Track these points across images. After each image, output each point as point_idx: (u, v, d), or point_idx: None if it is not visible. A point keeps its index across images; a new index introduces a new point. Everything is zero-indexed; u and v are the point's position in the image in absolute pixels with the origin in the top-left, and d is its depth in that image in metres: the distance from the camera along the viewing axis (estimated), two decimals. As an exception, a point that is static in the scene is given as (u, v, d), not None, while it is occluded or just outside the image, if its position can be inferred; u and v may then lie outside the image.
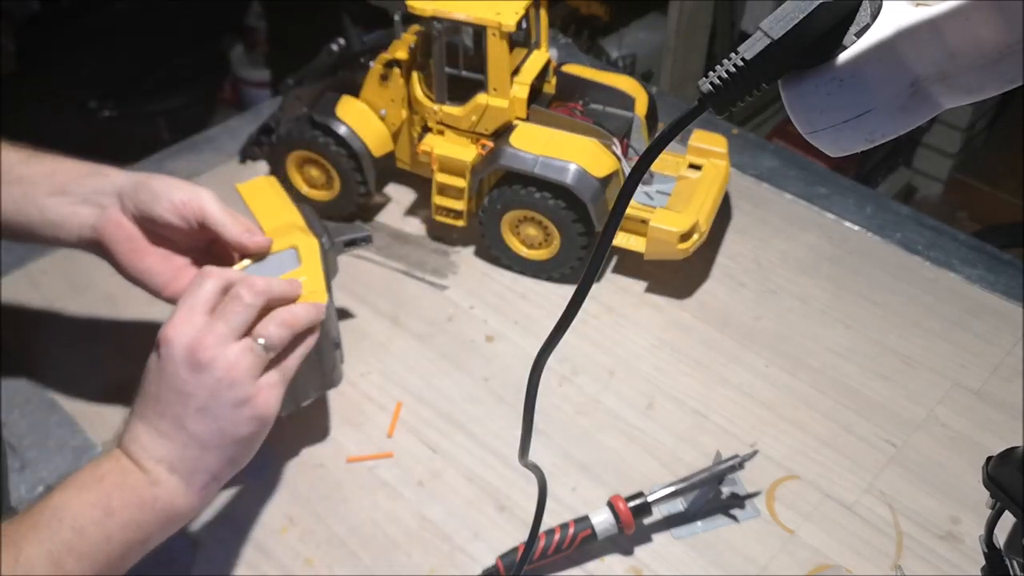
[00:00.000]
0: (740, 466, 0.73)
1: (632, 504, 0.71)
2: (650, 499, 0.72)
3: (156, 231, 0.74)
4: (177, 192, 0.73)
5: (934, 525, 0.74)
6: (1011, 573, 0.64)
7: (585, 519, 0.71)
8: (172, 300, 0.73)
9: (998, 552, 0.66)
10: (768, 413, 0.83)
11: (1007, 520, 0.64)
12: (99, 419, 0.82)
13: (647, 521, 0.73)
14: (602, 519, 0.71)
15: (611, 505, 0.71)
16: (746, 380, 0.86)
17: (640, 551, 0.73)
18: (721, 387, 0.85)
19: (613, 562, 0.72)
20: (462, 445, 0.80)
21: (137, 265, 0.74)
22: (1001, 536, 0.67)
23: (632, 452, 0.80)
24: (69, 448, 0.79)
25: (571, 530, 0.70)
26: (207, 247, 0.76)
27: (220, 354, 0.61)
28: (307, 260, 0.74)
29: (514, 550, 0.70)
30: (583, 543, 0.71)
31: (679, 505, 0.75)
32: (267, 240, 0.74)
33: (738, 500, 0.75)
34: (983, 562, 0.67)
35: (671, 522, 0.74)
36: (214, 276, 0.65)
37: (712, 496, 0.74)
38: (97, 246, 0.75)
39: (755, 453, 0.74)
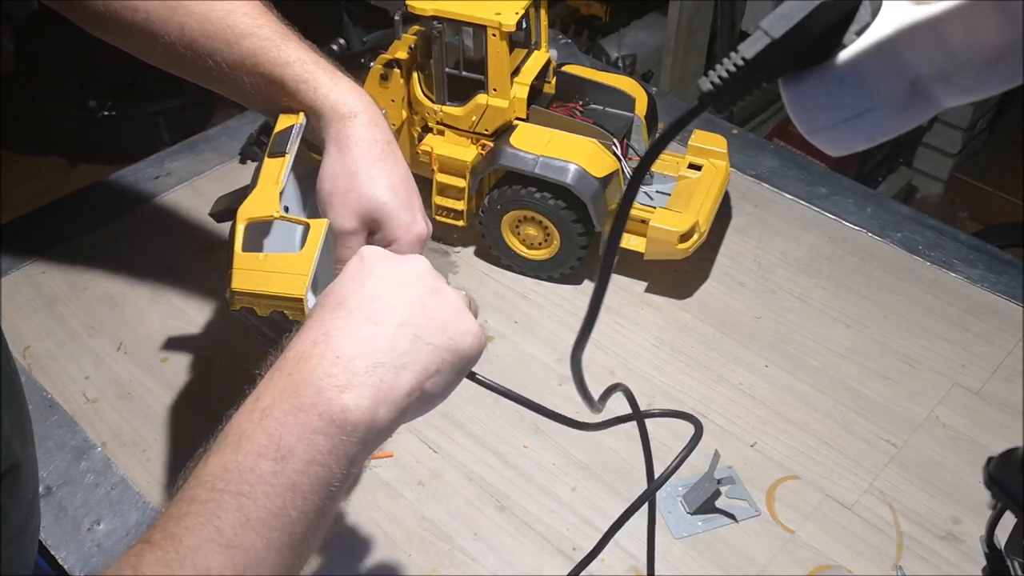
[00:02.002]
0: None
1: None
2: None
3: None
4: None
5: (934, 525, 0.74)
6: (1012, 573, 0.64)
7: None
8: None
9: (999, 552, 0.66)
10: (768, 413, 0.83)
11: (1008, 520, 0.64)
12: (99, 419, 0.82)
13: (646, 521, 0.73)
14: None
15: None
16: (746, 380, 0.86)
17: (640, 551, 0.73)
18: (721, 387, 0.85)
19: (613, 562, 0.72)
20: (462, 445, 0.80)
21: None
22: (1002, 536, 0.67)
23: (632, 452, 0.80)
24: (69, 448, 0.79)
25: None
26: None
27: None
28: (309, 242, 0.69)
29: None
30: None
31: (679, 505, 0.75)
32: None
33: (740, 501, 0.75)
34: (984, 562, 0.67)
35: (671, 522, 0.74)
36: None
37: (712, 496, 0.74)
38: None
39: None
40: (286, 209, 0.71)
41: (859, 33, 0.36)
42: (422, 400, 0.50)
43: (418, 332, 0.49)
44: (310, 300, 0.63)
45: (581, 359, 0.52)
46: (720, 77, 0.37)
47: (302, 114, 0.72)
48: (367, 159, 0.68)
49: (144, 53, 0.75)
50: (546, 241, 0.93)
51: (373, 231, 0.69)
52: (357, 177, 0.68)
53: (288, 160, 0.70)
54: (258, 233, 0.69)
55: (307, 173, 0.75)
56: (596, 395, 0.58)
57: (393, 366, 0.48)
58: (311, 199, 0.73)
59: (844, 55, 0.36)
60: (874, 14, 0.36)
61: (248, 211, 0.67)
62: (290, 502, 0.43)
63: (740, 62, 0.37)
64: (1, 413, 0.52)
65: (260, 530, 0.42)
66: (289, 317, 0.63)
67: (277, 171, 0.69)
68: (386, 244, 0.69)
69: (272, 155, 0.71)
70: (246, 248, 0.65)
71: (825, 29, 0.36)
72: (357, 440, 0.46)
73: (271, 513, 0.43)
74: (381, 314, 0.49)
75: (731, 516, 0.75)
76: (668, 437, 0.81)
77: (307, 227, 0.67)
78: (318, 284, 0.78)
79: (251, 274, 0.64)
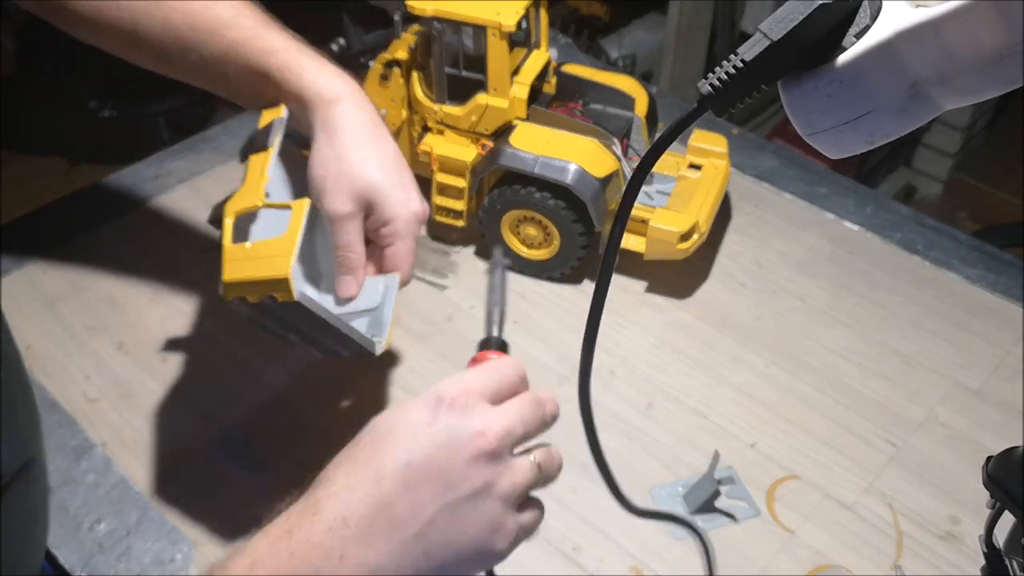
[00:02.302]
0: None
1: None
2: None
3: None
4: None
5: (934, 525, 0.74)
6: (1011, 573, 0.64)
7: None
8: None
9: (998, 552, 0.66)
10: (768, 413, 0.83)
11: (1007, 520, 0.65)
12: (99, 419, 0.82)
13: (646, 521, 0.73)
14: None
15: None
16: (746, 380, 0.86)
17: (640, 551, 0.73)
18: (721, 387, 0.85)
19: (613, 562, 0.72)
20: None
21: None
22: (1001, 536, 0.67)
23: (632, 452, 0.80)
24: (69, 448, 0.80)
25: None
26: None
27: (507, 454, 0.49)
28: (292, 223, 0.68)
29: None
30: None
31: (679, 505, 0.75)
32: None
33: (740, 501, 0.75)
34: (983, 562, 0.67)
35: (671, 522, 0.74)
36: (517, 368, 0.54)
37: (712, 496, 0.74)
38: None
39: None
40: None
41: (858, 35, 0.36)
42: None
43: (428, 550, 0.47)
44: (296, 281, 0.62)
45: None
46: (719, 79, 0.37)
47: (283, 107, 0.72)
48: (356, 141, 0.68)
49: (130, 53, 0.74)
50: (546, 241, 0.93)
51: (368, 213, 0.69)
52: (347, 160, 0.68)
53: (272, 153, 0.70)
54: (246, 224, 0.70)
55: (295, 166, 0.75)
56: (595, 392, 0.57)
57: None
58: (302, 191, 0.73)
59: (843, 57, 0.36)
60: (873, 16, 0.36)
61: (234, 205, 0.67)
62: None
63: (739, 64, 0.37)
64: (16, 407, 0.52)
65: None
66: (279, 300, 0.63)
67: (262, 165, 0.69)
68: (382, 224, 0.69)
69: (256, 151, 0.71)
70: (235, 240, 0.65)
71: (824, 31, 0.36)
72: None
73: None
74: (404, 519, 0.46)
75: (731, 516, 0.75)
76: (668, 437, 0.81)
77: (290, 209, 0.67)
78: (317, 266, 0.78)
79: (239, 263, 0.64)
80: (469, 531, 0.47)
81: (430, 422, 0.48)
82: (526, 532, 0.51)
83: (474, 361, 0.57)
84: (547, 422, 0.53)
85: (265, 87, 0.71)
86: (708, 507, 0.75)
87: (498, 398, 0.51)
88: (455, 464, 0.47)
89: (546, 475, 0.52)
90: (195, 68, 0.72)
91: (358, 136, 0.68)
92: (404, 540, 0.46)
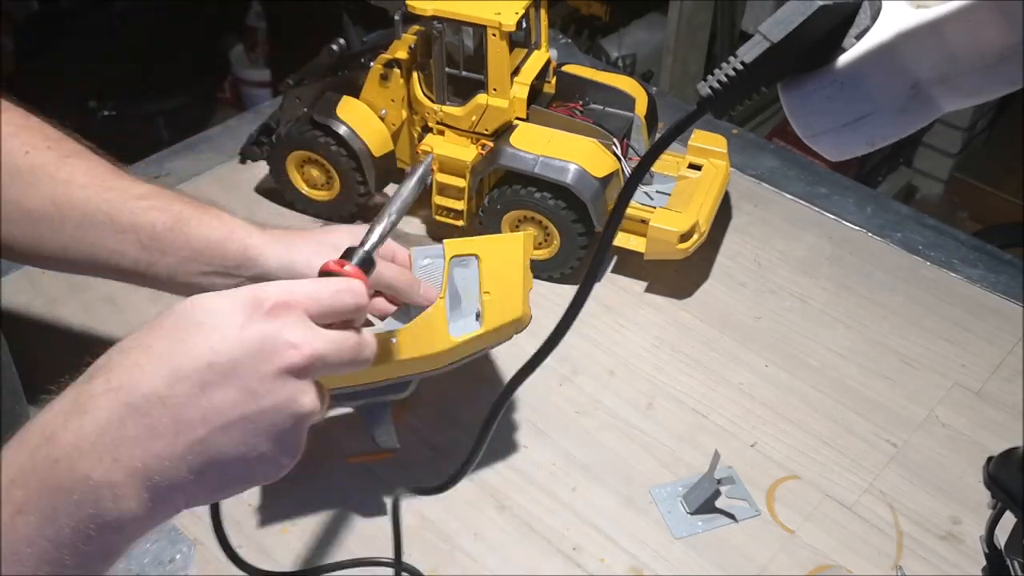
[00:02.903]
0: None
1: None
2: None
3: None
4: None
5: (934, 525, 0.74)
6: (1012, 573, 0.64)
7: None
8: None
9: (999, 552, 0.66)
10: (768, 413, 0.83)
11: (1008, 520, 0.64)
12: (99, 419, 0.82)
13: (646, 521, 0.73)
14: None
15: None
16: (746, 380, 0.86)
17: (640, 551, 0.73)
18: (721, 387, 0.85)
19: (613, 562, 0.72)
20: (462, 445, 0.80)
21: None
22: (1002, 536, 0.67)
23: (632, 452, 0.80)
24: (69, 448, 0.79)
25: None
26: None
27: (312, 376, 0.48)
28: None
29: None
30: None
31: (679, 505, 0.75)
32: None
33: (740, 501, 0.75)
34: (984, 562, 0.67)
35: (671, 522, 0.74)
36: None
37: (712, 496, 0.74)
38: None
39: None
40: None
41: (859, 37, 0.36)
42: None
43: (213, 460, 0.45)
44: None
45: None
46: (719, 81, 0.37)
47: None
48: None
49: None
50: (546, 241, 0.93)
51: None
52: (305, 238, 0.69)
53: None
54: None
55: None
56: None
57: (171, 485, 0.44)
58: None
59: (844, 59, 0.36)
60: (874, 18, 0.36)
61: None
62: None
63: (739, 66, 0.37)
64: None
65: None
66: None
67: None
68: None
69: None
70: None
71: (824, 33, 0.36)
72: (112, 539, 0.44)
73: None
74: (185, 417, 0.44)
75: (731, 516, 0.75)
76: (668, 437, 0.81)
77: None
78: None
79: None
80: (261, 446, 0.45)
81: (243, 324, 0.45)
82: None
83: (323, 269, 0.52)
84: (359, 365, 0.50)
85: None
86: (708, 507, 0.75)
87: (323, 320, 0.48)
88: (261, 374, 0.45)
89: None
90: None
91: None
92: (189, 443, 0.43)
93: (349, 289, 0.50)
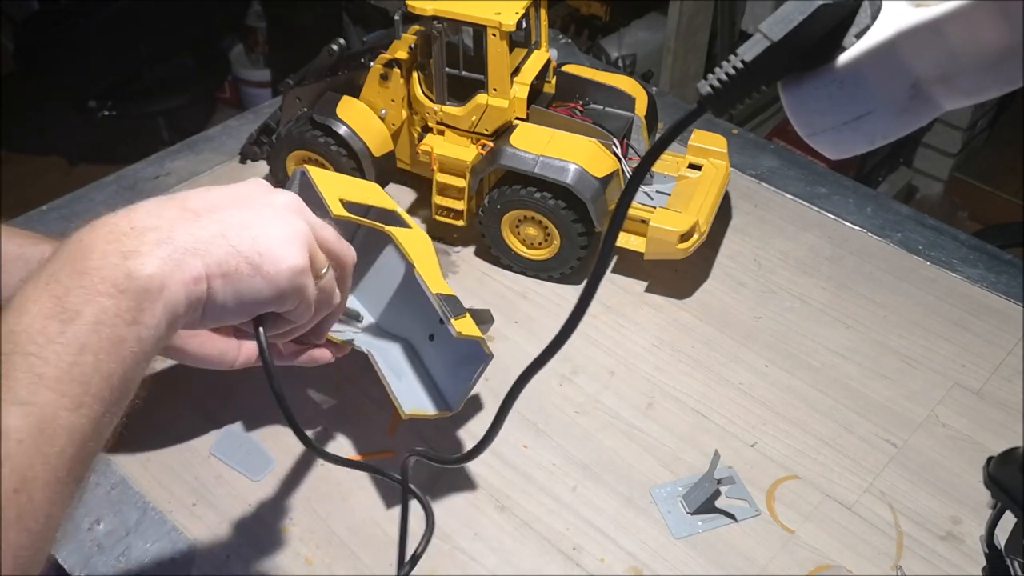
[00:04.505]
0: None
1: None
2: None
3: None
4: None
5: (934, 525, 0.74)
6: (1012, 573, 0.64)
7: None
8: (247, 365, 0.70)
9: (999, 552, 0.66)
10: (768, 413, 0.83)
11: (1008, 520, 0.65)
12: (99, 419, 0.82)
13: (647, 521, 0.73)
14: None
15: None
16: (746, 380, 0.86)
17: (640, 551, 0.73)
18: (721, 387, 0.85)
19: (613, 562, 0.72)
20: (462, 445, 0.80)
21: (210, 353, 0.69)
22: (1002, 536, 0.67)
23: (632, 452, 0.80)
24: (69, 448, 0.79)
25: None
26: None
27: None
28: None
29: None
30: None
31: (679, 505, 0.75)
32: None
33: (740, 501, 0.75)
34: (984, 562, 0.67)
35: (671, 522, 0.74)
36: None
37: (712, 496, 0.74)
38: (170, 352, 0.69)
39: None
40: None
41: (859, 36, 0.36)
42: (208, 301, 0.49)
43: (225, 231, 0.49)
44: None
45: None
46: (719, 80, 0.37)
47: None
48: None
49: None
50: (546, 241, 0.93)
51: None
52: None
53: None
54: None
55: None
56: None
57: (184, 248, 0.47)
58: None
59: (844, 58, 0.36)
60: (874, 16, 0.36)
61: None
62: (82, 360, 0.43)
63: (739, 65, 0.37)
64: None
65: (54, 386, 0.42)
66: None
67: None
68: None
69: None
70: None
71: (825, 32, 0.36)
72: (147, 308, 0.45)
73: (62, 370, 0.42)
74: (195, 204, 0.49)
75: (731, 516, 0.75)
76: (668, 437, 0.81)
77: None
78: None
79: None
80: (263, 228, 0.51)
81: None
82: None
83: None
84: (342, 269, 0.58)
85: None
86: (708, 507, 0.75)
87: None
88: (248, 186, 0.53)
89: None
90: None
91: None
92: (197, 218, 0.49)
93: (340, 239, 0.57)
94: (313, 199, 0.70)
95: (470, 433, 0.81)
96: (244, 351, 0.70)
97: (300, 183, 0.73)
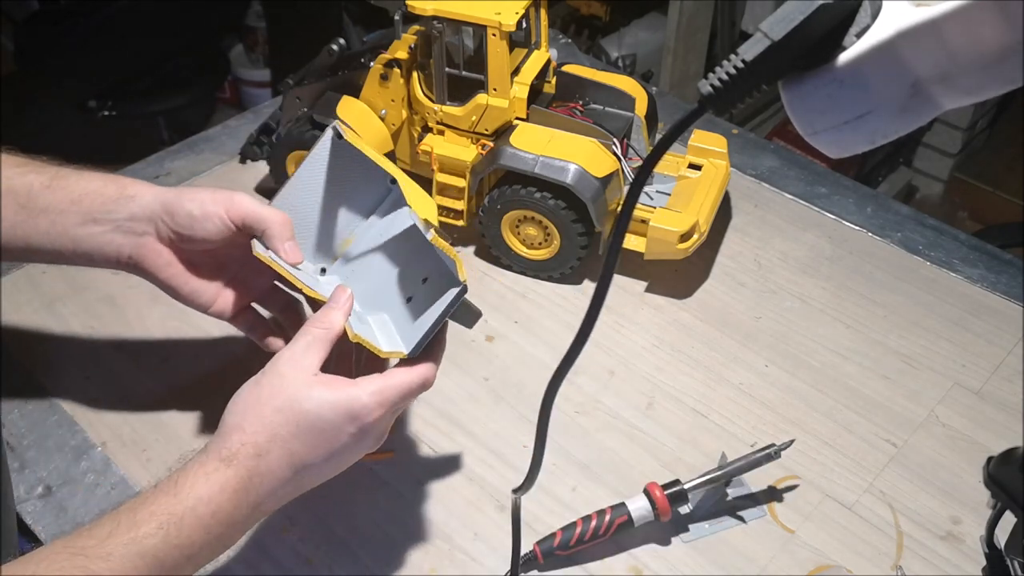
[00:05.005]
0: (776, 455, 0.73)
1: (669, 491, 0.71)
2: (687, 487, 0.72)
3: (195, 248, 0.71)
4: (212, 205, 0.69)
5: (934, 525, 0.74)
6: (1012, 573, 0.64)
7: (622, 505, 0.72)
8: (219, 316, 0.73)
9: (999, 552, 0.66)
10: (768, 413, 0.83)
11: (1008, 520, 0.65)
12: (99, 419, 0.82)
13: (683, 510, 0.73)
14: (639, 505, 0.71)
15: (647, 492, 0.72)
16: (746, 380, 0.86)
17: (640, 551, 0.73)
18: (721, 387, 0.85)
19: (613, 562, 0.72)
20: (462, 445, 0.80)
21: (181, 288, 0.72)
22: (1002, 536, 0.67)
23: (632, 452, 0.80)
24: (69, 448, 0.79)
25: (608, 516, 0.71)
26: (244, 254, 0.72)
27: (380, 420, 0.64)
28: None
29: (551, 536, 0.71)
30: (619, 530, 0.71)
31: (685, 508, 0.75)
32: (300, 254, 0.71)
33: (746, 502, 0.75)
34: (984, 562, 0.67)
35: (677, 525, 0.74)
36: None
37: (719, 498, 0.74)
38: (136, 269, 0.72)
39: (792, 442, 0.75)
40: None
41: (859, 35, 0.36)
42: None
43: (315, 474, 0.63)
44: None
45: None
46: (720, 79, 0.37)
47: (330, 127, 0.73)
48: None
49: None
50: (546, 241, 0.93)
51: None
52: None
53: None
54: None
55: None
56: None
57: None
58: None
59: (844, 57, 0.36)
60: (874, 16, 0.36)
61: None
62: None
63: (740, 64, 0.37)
64: None
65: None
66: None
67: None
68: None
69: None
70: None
71: (825, 31, 0.36)
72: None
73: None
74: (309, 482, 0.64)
75: (740, 518, 0.74)
76: (668, 437, 0.81)
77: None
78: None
79: None
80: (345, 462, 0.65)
81: (352, 440, 0.63)
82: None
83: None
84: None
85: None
86: (716, 509, 0.74)
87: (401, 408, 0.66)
88: (349, 450, 0.64)
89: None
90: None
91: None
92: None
93: (421, 380, 0.66)
94: (349, 154, 0.71)
95: (467, 431, 0.81)
96: (221, 300, 0.73)
97: (333, 143, 0.72)
